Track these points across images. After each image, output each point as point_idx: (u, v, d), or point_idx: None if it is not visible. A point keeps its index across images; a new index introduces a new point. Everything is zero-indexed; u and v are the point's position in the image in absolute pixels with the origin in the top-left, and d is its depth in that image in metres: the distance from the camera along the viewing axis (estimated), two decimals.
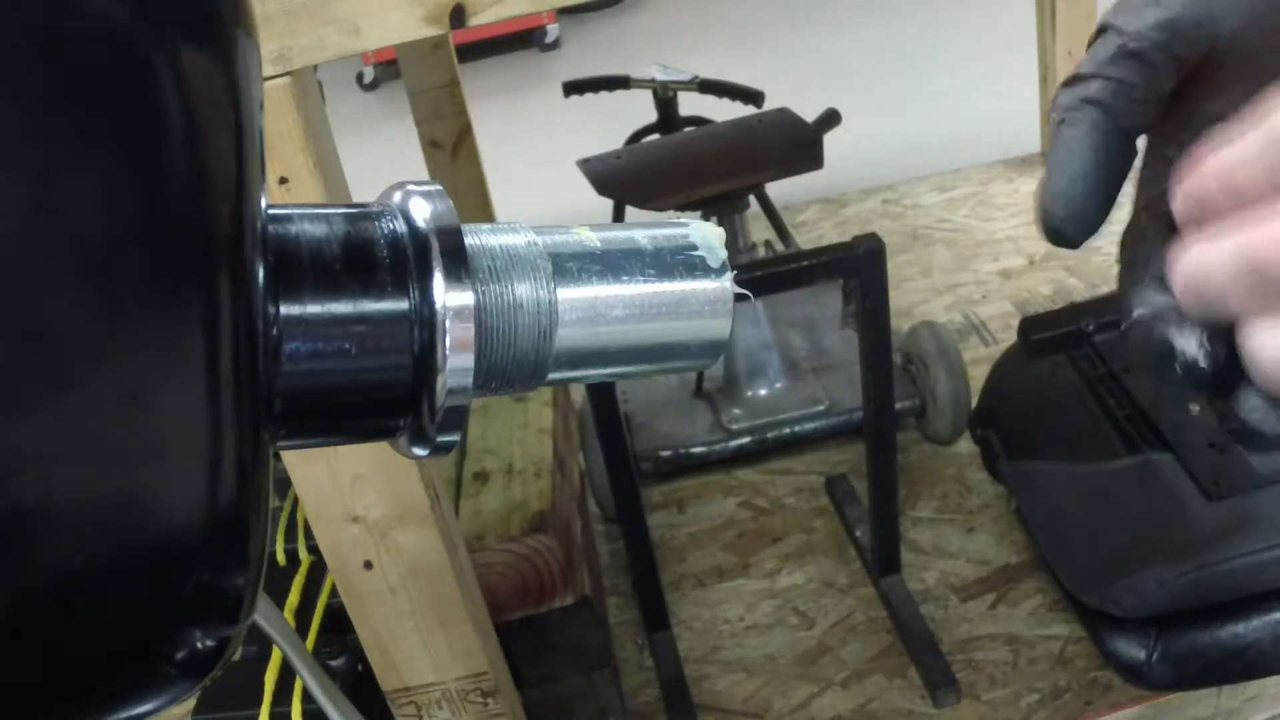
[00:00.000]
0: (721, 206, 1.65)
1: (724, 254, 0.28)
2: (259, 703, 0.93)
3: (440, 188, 0.25)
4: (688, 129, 1.95)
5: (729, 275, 0.28)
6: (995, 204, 2.24)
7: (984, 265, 2.05)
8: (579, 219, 0.29)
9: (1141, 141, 0.33)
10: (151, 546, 0.20)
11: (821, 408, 1.66)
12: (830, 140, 1.72)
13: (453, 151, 1.89)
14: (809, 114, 1.79)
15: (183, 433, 0.20)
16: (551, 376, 0.27)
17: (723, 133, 1.82)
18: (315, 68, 0.69)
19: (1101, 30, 0.33)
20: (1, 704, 0.19)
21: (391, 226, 0.25)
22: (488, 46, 4.16)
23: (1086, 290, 1.91)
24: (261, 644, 0.98)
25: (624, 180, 1.71)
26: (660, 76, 1.94)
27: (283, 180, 0.69)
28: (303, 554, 1.10)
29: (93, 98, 0.18)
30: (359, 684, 0.97)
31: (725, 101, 1.95)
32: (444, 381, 0.24)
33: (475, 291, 0.24)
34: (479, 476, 1.26)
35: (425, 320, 0.24)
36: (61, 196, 0.18)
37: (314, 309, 0.23)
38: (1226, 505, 1.12)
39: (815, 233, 2.27)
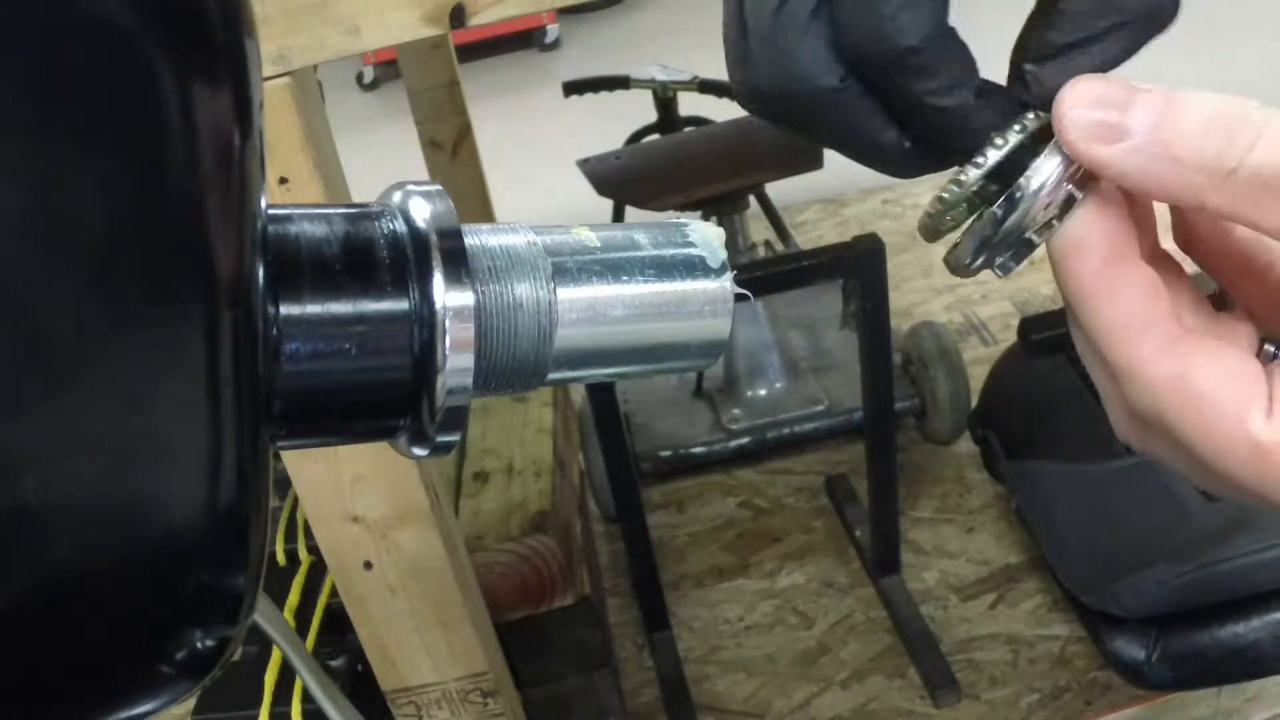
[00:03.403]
0: (721, 206, 1.65)
1: (724, 254, 0.28)
2: (259, 703, 0.93)
3: (440, 188, 0.25)
4: (688, 129, 1.95)
5: (729, 275, 0.28)
6: None
7: None
8: (579, 219, 0.29)
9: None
10: (151, 546, 0.20)
11: (821, 408, 1.66)
12: None
13: (453, 151, 1.89)
14: None
15: (183, 433, 0.20)
16: (551, 376, 0.27)
17: (723, 133, 1.82)
18: (315, 68, 0.69)
19: None
20: (1, 703, 0.19)
21: (391, 227, 0.25)
22: (488, 46, 4.16)
23: None
24: (261, 644, 0.98)
25: (624, 180, 1.71)
26: (660, 76, 1.94)
27: (283, 180, 0.69)
28: (303, 554, 1.10)
29: (92, 98, 0.18)
30: (359, 684, 0.97)
31: (725, 101, 1.95)
32: (444, 381, 0.24)
33: (475, 291, 0.24)
34: (479, 476, 1.26)
35: (425, 320, 0.24)
36: (61, 197, 0.18)
37: (314, 309, 0.23)
38: (1226, 505, 1.12)
39: (815, 233, 2.27)
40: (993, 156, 0.30)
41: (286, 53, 0.65)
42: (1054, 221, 0.29)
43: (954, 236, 0.33)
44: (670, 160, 1.76)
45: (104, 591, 0.20)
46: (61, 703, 0.20)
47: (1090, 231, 0.29)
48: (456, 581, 0.87)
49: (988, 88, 0.31)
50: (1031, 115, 0.30)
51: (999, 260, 0.30)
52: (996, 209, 0.29)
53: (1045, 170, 0.29)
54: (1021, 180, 0.29)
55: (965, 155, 0.31)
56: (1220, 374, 0.27)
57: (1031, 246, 0.30)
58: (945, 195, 0.31)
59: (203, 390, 0.20)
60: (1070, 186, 0.28)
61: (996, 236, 0.30)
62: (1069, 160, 0.28)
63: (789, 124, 0.33)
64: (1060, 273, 0.29)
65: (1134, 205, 0.30)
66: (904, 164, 0.32)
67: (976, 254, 0.31)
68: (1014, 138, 0.30)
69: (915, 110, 0.31)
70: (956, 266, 0.31)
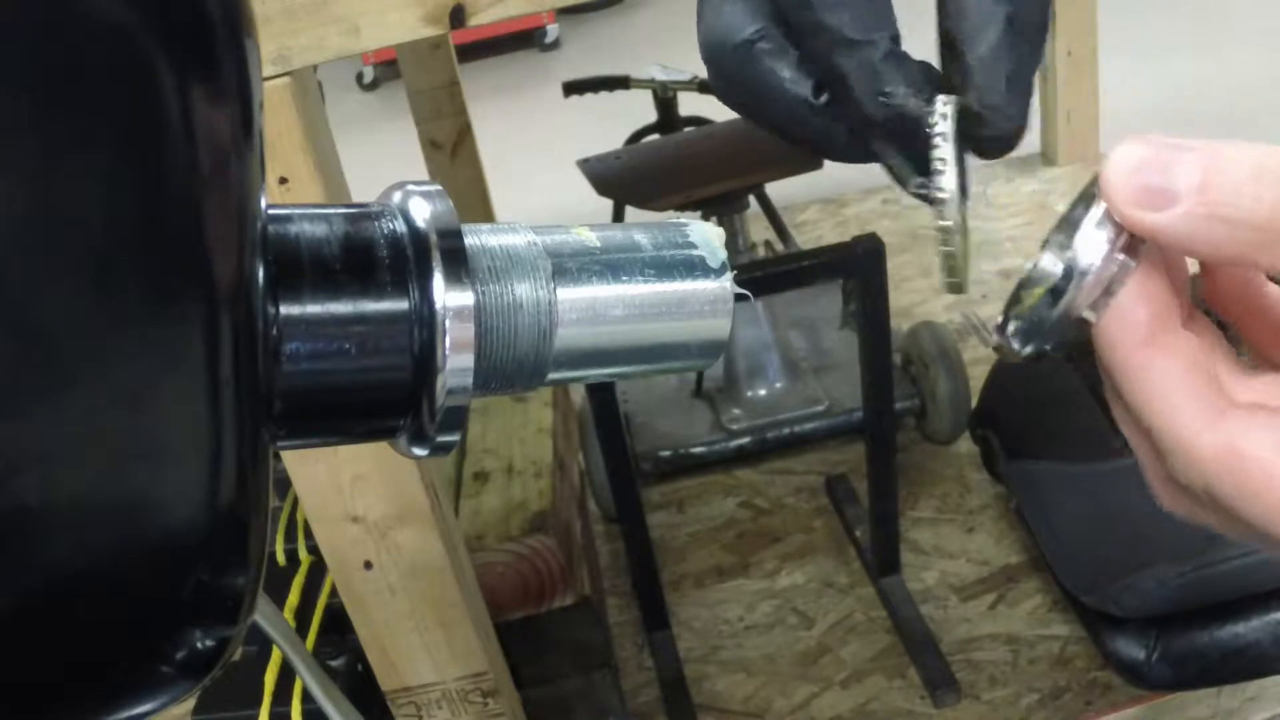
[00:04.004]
0: (721, 206, 1.65)
1: (724, 254, 0.28)
2: (259, 703, 0.93)
3: (440, 188, 0.25)
4: (688, 129, 1.95)
5: (729, 275, 0.28)
6: (995, 204, 2.25)
7: (984, 265, 2.05)
8: (579, 219, 0.29)
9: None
10: (151, 547, 0.20)
11: (821, 408, 1.66)
12: None
13: (453, 151, 1.89)
14: None
15: (182, 433, 0.20)
16: (551, 376, 0.27)
17: (723, 133, 1.82)
18: (315, 68, 0.69)
19: None
20: (1, 703, 0.19)
21: (391, 227, 0.25)
22: (488, 46, 4.15)
23: None
24: (261, 644, 0.98)
25: (624, 180, 1.71)
26: (660, 76, 1.94)
27: (283, 180, 0.69)
28: (303, 554, 1.10)
29: (93, 98, 0.18)
30: (359, 684, 0.97)
31: None
32: (444, 382, 0.24)
33: (475, 292, 0.24)
34: (479, 476, 1.26)
35: (425, 320, 0.24)
36: (61, 196, 0.18)
37: (314, 309, 0.23)
38: None
39: (815, 233, 2.27)
40: (941, 152, 0.29)
41: (286, 53, 0.65)
42: (1106, 294, 0.28)
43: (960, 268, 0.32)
44: (670, 160, 1.76)
45: (104, 591, 0.20)
46: (61, 703, 0.20)
47: (1137, 303, 0.28)
48: (456, 581, 0.87)
49: (904, 53, 0.31)
50: (942, 99, 0.29)
51: (1051, 344, 0.29)
52: (1048, 293, 0.28)
53: (1096, 245, 0.27)
54: (1071, 257, 0.28)
55: (883, 128, 0.30)
56: (1270, 443, 0.26)
57: (1087, 324, 0.28)
58: (944, 228, 0.30)
59: (203, 390, 0.20)
60: (1121, 256, 0.28)
61: (1050, 321, 0.28)
62: (1116, 228, 0.27)
63: (731, 99, 0.34)
64: (1103, 346, 0.28)
65: (1169, 263, 0.29)
66: (822, 131, 0.32)
67: (1026, 340, 0.29)
68: (943, 126, 0.29)
69: (822, 49, 0.30)
70: (1008, 354, 0.30)
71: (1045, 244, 0.29)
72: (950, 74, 0.31)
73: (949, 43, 0.32)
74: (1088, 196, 0.28)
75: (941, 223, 0.30)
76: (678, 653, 1.39)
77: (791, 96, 0.32)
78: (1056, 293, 0.28)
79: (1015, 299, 0.30)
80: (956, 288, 0.32)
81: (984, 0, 0.31)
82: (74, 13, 0.17)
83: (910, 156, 0.31)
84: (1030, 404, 1.40)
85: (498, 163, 2.15)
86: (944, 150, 0.29)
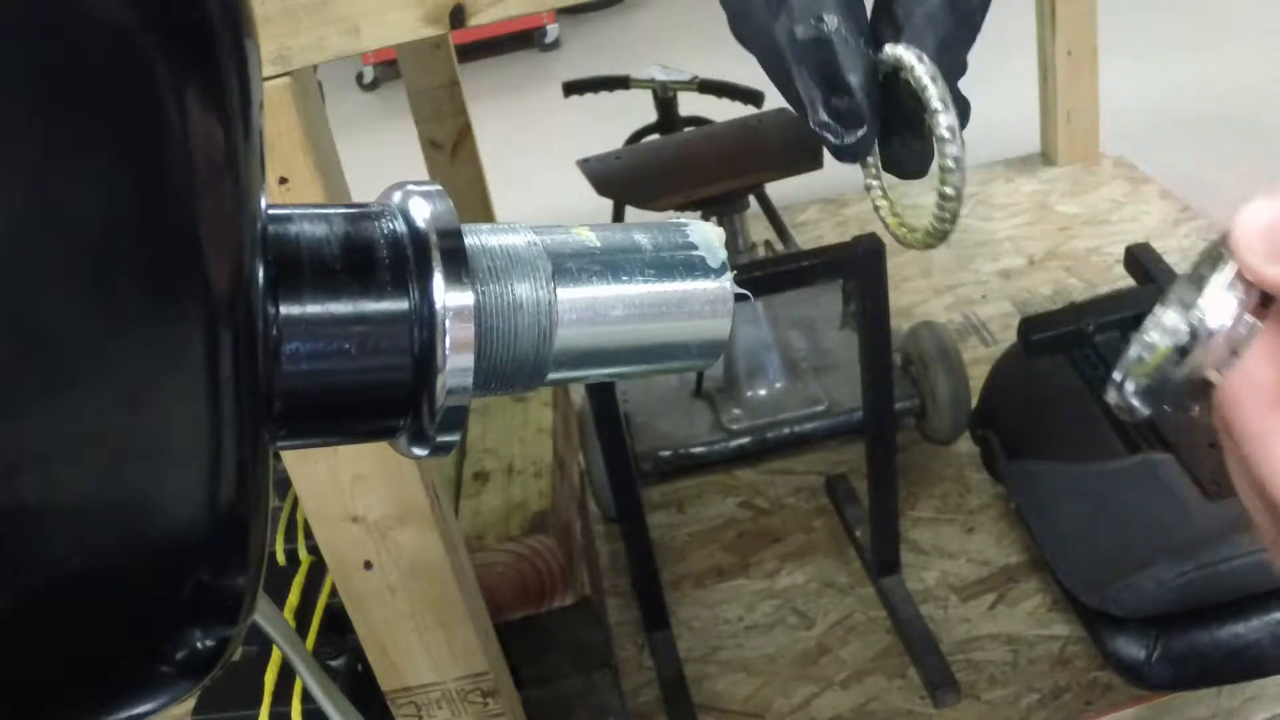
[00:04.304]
0: (721, 206, 1.65)
1: (724, 254, 0.28)
2: (259, 703, 0.93)
3: (440, 188, 0.25)
4: (688, 129, 1.95)
5: (729, 275, 0.28)
6: (995, 204, 2.24)
7: (984, 265, 2.05)
8: (579, 219, 0.29)
9: None
10: (151, 547, 0.20)
11: (821, 408, 1.66)
12: None
13: (453, 151, 1.89)
14: None
15: (182, 433, 0.20)
16: (551, 376, 0.27)
17: (723, 133, 1.82)
18: (315, 68, 0.69)
19: None
20: (1, 703, 0.19)
21: (391, 227, 0.25)
22: (488, 46, 4.15)
23: (1086, 290, 1.91)
24: (261, 644, 0.98)
25: (624, 180, 1.71)
26: (660, 76, 1.94)
27: (283, 180, 0.69)
28: (303, 554, 1.10)
29: (93, 97, 0.18)
30: (359, 684, 0.97)
31: (725, 101, 1.95)
32: (444, 382, 0.24)
33: (475, 292, 0.24)
34: (479, 476, 1.26)
35: (425, 320, 0.24)
36: (61, 196, 0.18)
37: (314, 309, 0.23)
38: (1226, 505, 1.12)
39: (815, 233, 2.27)
40: (931, 94, 0.29)
41: (286, 53, 0.65)
42: (1232, 355, 0.28)
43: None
44: (670, 160, 1.76)
45: (104, 592, 0.20)
46: (61, 703, 0.20)
47: (1264, 364, 0.27)
48: (456, 581, 0.87)
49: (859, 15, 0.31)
50: (902, 47, 0.30)
51: (1168, 403, 0.29)
52: (1174, 352, 0.28)
53: (1225, 305, 0.27)
54: (1199, 317, 0.27)
55: (804, 51, 0.31)
56: None
57: (1209, 385, 0.28)
58: (1148, 344, 0.29)
59: (203, 391, 0.20)
60: (1250, 318, 0.27)
61: (1175, 381, 0.28)
62: (1245, 288, 0.27)
63: (742, 41, 0.35)
64: (1226, 407, 0.28)
65: None
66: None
67: (1147, 398, 0.29)
68: (921, 69, 0.30)
69: None
70: (1125, 411, 0.30)
71: (1165, 300, 0.29)
72: (882, 34, 0.32)
73: (887, 3, 0.32)
74: (1214, 256, 0.28)
75: (944, 161, 0.30)
76: (678, 653, 1.39)
77: (779, 43, 0.32)
78: (1183, 352, 0.28)
79: (1137, 358, 0.29)
80: (943, 234, 0.32)
81: None
82: (74, 13, 0.17)
83: (823, 89, 0.32)
84: (1030, 404, 1.40)
85: (498, 163, 2.15)
86: (931, 90, 0.30)
